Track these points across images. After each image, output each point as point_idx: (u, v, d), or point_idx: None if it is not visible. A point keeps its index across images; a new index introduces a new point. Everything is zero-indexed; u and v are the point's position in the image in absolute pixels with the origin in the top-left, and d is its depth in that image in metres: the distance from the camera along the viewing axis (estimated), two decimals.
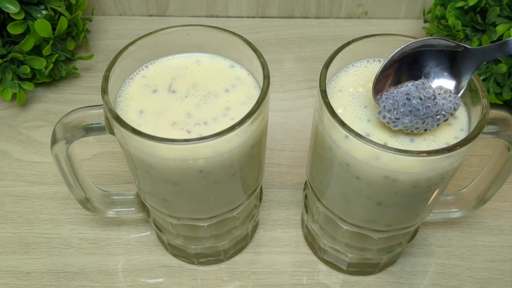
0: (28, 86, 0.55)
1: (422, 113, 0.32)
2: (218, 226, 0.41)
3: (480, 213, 0.49)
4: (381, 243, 0.40)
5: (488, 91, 0.52)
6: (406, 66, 0.34)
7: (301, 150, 0.54)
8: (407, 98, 0.32)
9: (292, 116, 0.57)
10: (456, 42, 0.34)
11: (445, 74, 0.35)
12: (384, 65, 0.33)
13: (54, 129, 0.36)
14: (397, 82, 0.34)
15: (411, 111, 0.32)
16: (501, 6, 0.50)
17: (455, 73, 0.34)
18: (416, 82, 0.33)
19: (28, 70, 0.54)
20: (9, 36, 0.55)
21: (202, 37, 0.37)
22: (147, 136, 0.30)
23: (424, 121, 0.32)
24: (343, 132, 0.31)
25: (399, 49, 0.33)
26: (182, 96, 0.36)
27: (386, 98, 0.33)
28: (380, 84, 0.34)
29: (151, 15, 0.70)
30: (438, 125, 0.33)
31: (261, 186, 0.44)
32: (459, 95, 0.34)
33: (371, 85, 0.36)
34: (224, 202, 0.38)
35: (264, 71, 0.34)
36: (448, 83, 0.35)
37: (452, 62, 0.34)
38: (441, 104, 0.32)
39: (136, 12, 0.69)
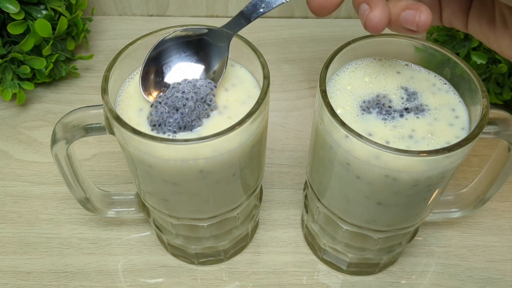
0: (28, 86, 0.55)
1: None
2: (218, 226, 0.41)
3: (480, 213, 0.49)
4: (381, 243, 0.40)
5: (488, 91, 0.52)
6: (165, 60, 0.36)
7: (301, 150, 0.54)
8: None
9: (292, 116, 0.57)
10: (204, 26, 0.35)
11: (201, 59, 0.36)
12: (144, 65, 0.35)
13: (54, 129, 0.36)
14: (160, 75, 0.36)
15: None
16: None
17: (211, 56, 0.36)
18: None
19: (28, 70, 0.54)
20: (9, 36, 0.55)
21: None
22: (147, 136, 0.30)
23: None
24: (344, 132, 0.31)
25: (153, 46, 0.35)
26: None
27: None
28: (146, 81, 0.35)
29: (151, 15, 0.70)
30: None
31: (261, 186, 0.44)
32: (223, 74, 0.35)
33: (367, 79, 0.36)
34: (224, 202, 0.38)
35: (264, 71, 0.34)
36: (200, 68, 0.36)
37: (208, 46, 0.36)
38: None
39: (136, 12, 0.69)
